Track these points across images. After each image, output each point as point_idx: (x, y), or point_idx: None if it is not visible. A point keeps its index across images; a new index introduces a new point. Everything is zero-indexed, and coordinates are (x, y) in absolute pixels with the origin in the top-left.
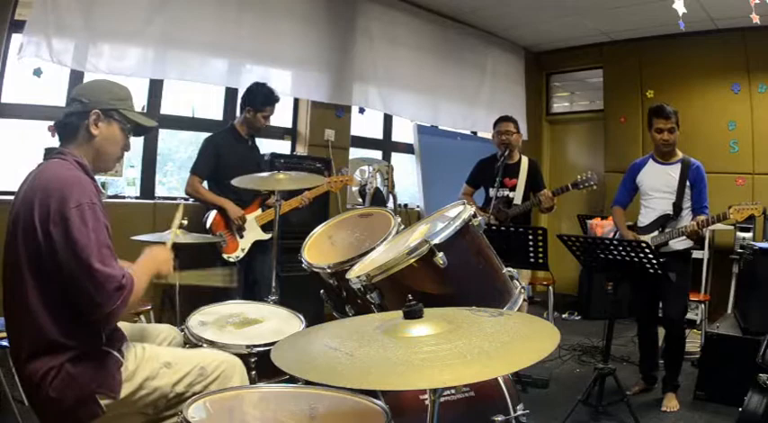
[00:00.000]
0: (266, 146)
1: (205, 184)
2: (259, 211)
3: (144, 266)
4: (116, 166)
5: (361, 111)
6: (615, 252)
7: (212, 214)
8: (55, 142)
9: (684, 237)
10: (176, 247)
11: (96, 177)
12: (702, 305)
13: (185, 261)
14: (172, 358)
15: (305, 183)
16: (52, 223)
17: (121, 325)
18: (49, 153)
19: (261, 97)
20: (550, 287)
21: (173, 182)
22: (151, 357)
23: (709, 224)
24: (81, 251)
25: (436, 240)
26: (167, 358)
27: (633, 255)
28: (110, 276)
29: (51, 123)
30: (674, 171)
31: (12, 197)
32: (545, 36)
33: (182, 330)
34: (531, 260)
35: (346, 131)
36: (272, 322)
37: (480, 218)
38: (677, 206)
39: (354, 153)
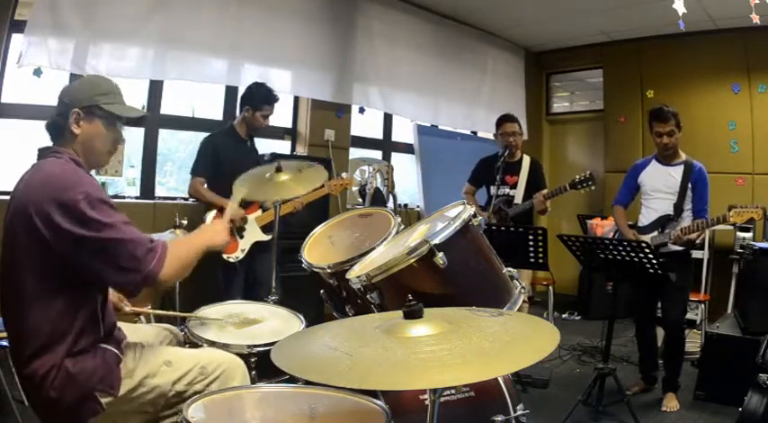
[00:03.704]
0: (266, 146)
1: (204, 185)
2: (259, 212)
3: (193, 235)
4: (116, 167)
5: (361, 110)
6: (615, 252)
7: (212, 214)
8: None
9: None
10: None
11: (97, 178)
12: (702, 305)
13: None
14: (172, 357)
15: (308, 181)
16: (60, 217)
17: (121, 325)
18: (44, 152)
19: (259, 96)
20: (550, 287)
21: (171, 182)
22: (151, 355)
23: (691, 232)
24: (102, 233)
25: (436, 240)
26: (167, 357)
27: (633, 255)
28: (138, 241)
29: None
30: (677, 172)
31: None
32: (545, 36)
33: (182, 330)
34: (531, 260)
35: (346, 131)
36: (272, 322)
37: (480, 218)
38: (678, 207)
39: (354, 153)
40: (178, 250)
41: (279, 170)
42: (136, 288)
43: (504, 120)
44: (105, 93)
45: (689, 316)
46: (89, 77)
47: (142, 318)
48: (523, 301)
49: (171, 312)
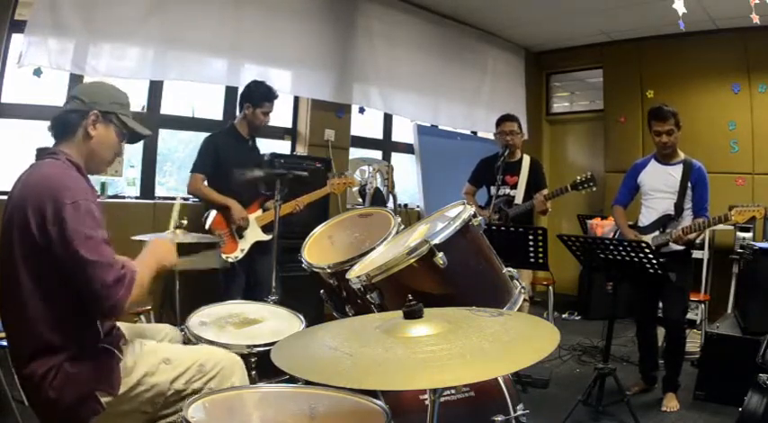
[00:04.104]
0: (266, 146)
1: (205, 183)
2: (259, 212)
3: (146, 260)
4: (116, 167)
5: (361, 110)
6: (615, 252)
7: (212, 214)
8: (48, 142)
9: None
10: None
11: (96, 178)
12: (702, 305)
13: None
14: (171, 355)
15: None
16: (49, 222)
17: (121, 325)
18: (42, 153)
19: (259, 93)
20: (550, 287)
21: (171, 182)
22: (150, 353)
23: (692, 231)
24: (79, 246)
25: (436, 240)
26: (166, 354)
27: (633, 255)
28: (109, 267)
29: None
30: (676, 171)
31: None
32: (545, 36)
33: (182, 330)
34: (532, 260)
35: (346, 131)
36: (272, 322)
37: (480, 218)
38: (678, 207)
39: (354, 153)
40: (141, 278)
41: None
42: (101, 314)
43: (503, 119)
44: (122, 104)
45: (689, 316)
46: (108, 85)
47: (142, 317)
48: (524, 301)
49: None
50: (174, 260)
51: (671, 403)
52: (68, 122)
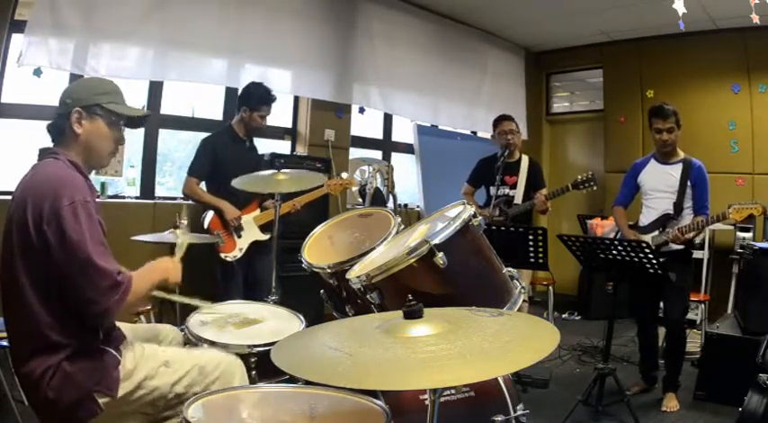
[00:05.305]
0: (266, 146)
1: (203, 184)
2: (257, 212)
3: (148, 271)
4: (116, 167)
5: (361, 110)
6: (615, 252)
7: (210, 214)
8: (48, 142)
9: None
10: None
11: (96, 178)
12: (702, 305)
13: (183, 261)
14: (171, 358)
15: (305, 183)
16: (46, 222)
17: (121, 325)
18: (44, 153)
19: (257, 97)
20: (550, 287)
21: (171, 182)
22: (150, 356)
23: (690, 230)
24: (74, 249)
25: (436, 240)
26: (166, 358)
27: (633, 255)
28: (104, 273)
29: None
30: (676, 171)
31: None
32: (545, 36)
33: (182, 330)
34: (532, 260)
35: (346, 131)
36: (272, 322)
37: (480, 218)
38: (678, 206)
39: (354, 153)
40: (138, 287)
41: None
42: (90, 318)
43: (502, 118)
44: (106, 92)
45: (689, 316)
46: (89, 78)
47: (142, 317)
48: (523, 301)
49: (188, 299)
50: (179, 277)
51: (671, 403)
52: (58, 126)
